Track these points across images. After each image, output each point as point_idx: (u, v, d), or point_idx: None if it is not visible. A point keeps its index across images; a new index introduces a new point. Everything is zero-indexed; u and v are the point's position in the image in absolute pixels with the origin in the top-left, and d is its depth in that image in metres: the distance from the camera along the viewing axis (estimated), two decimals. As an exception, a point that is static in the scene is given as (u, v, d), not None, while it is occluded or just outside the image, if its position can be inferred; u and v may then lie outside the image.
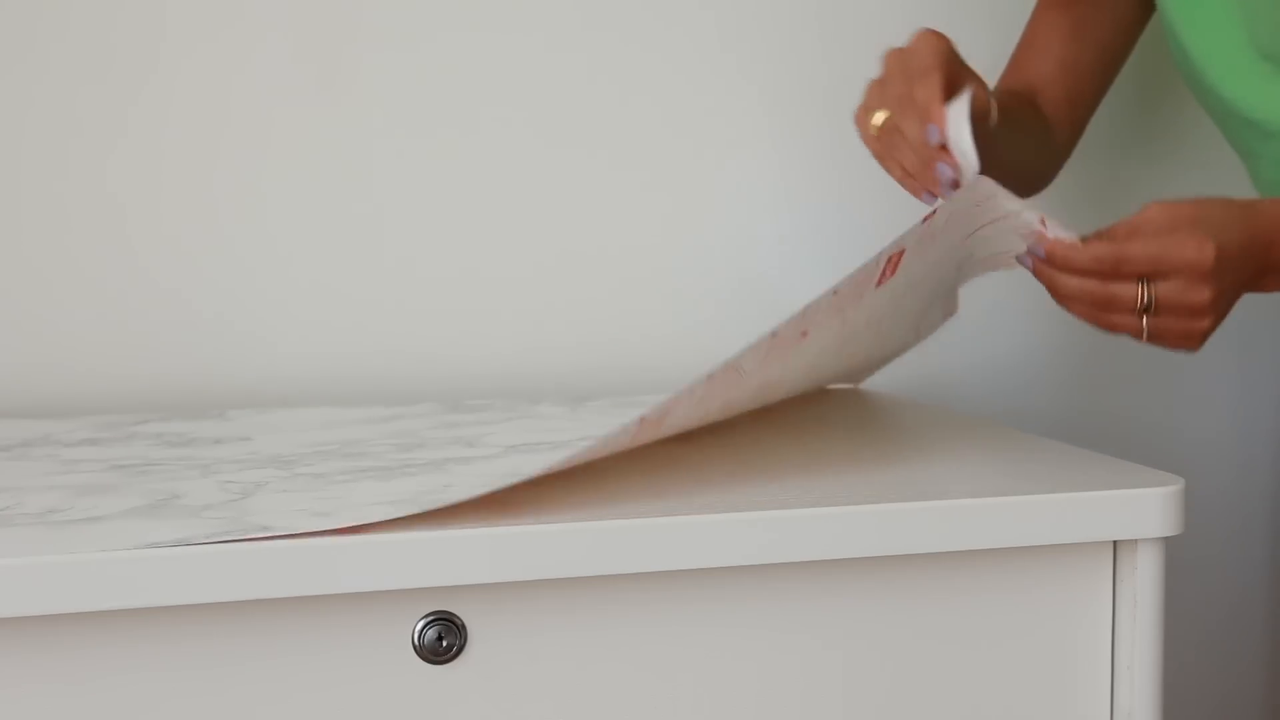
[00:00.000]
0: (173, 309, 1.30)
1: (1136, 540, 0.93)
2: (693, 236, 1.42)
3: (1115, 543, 0.94)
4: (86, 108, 1.27)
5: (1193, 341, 0.98)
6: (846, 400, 1.36)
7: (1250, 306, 1.15)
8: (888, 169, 1.04)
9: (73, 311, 1.28)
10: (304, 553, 0.80)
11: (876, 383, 1.34)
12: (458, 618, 0.85)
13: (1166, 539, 0.93)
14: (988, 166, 1.06)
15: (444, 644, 0.84)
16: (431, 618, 0.84)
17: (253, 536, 0.79)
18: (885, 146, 1.03)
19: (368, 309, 1.35)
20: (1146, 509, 0.93)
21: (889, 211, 1.42)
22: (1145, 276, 0.95)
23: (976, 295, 1.43)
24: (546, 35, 1.37)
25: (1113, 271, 0.95)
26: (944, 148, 1.00)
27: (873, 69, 1.04)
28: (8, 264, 1.26)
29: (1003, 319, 1.36)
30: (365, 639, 0.83)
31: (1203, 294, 0.95)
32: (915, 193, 1.03)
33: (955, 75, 1.03)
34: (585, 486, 0.93)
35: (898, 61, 1.04)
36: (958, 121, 0.98)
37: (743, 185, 1.43)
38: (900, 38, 1.03)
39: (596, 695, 0.88)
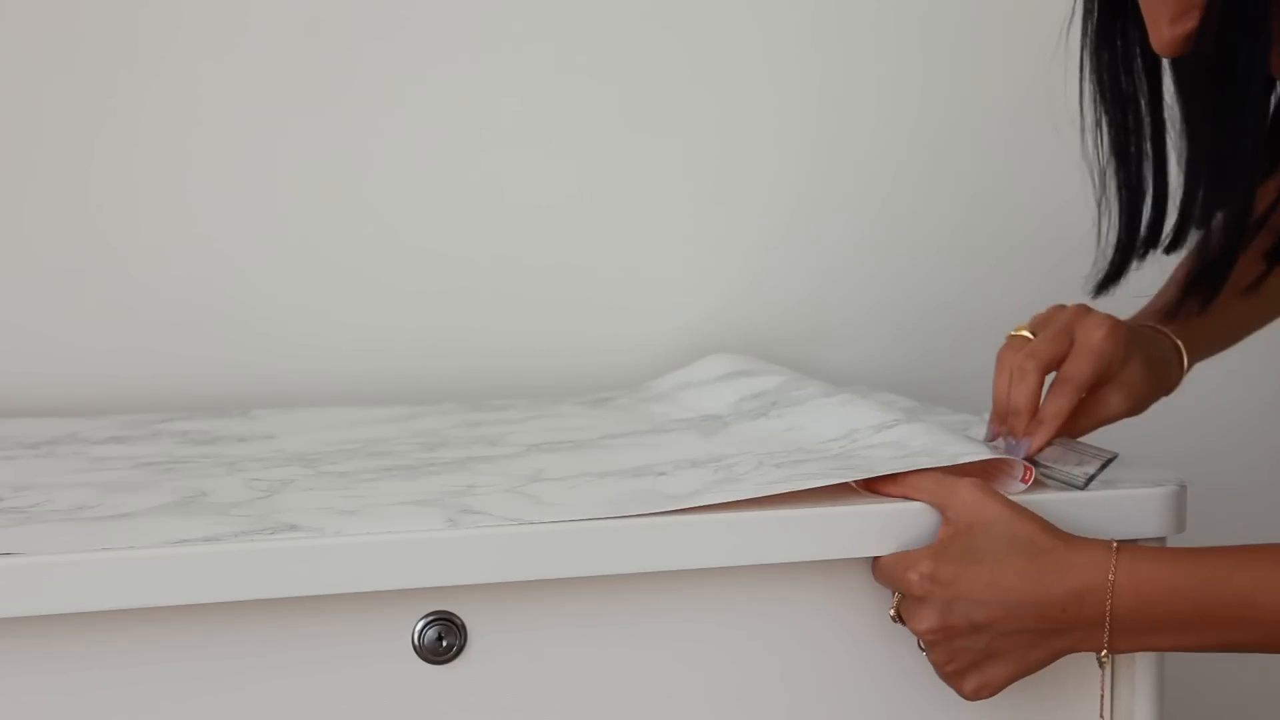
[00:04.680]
0: (196, 309, 1.30)
1: (1137, 540, 0.92)
2: (703, 235, 1.41)
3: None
4: (114, 107, 1.29)
5: (960, 684, 0.88)
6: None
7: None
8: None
9: (97, 311, 1.29)
10: (304, 553, 0.81)
11: (877, 383, 1.34)
12: (458, 618, 0.85)
13: (1166, 539, 0.93)
14: None
15: (444, 644, 0.85)
16: (431, 618, 0.85)
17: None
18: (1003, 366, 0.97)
19: (386, 307, 1.35)
20: (1146, 509, 0.93)
21: (888, 212, 1.42)
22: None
23: (976, 295, 1.42)
24: (560, 44, 1.37)
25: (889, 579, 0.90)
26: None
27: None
28: (34, 265, 1.28)
29: (1001, 319, 1.35)
30: (365, 639, 0.84)
31: (924, 617, 0.87)
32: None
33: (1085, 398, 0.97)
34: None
35: (1065, 341, 0.96)
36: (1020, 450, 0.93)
37: (760, 183, 1.43)
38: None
39: (596, 695, 0.88)
